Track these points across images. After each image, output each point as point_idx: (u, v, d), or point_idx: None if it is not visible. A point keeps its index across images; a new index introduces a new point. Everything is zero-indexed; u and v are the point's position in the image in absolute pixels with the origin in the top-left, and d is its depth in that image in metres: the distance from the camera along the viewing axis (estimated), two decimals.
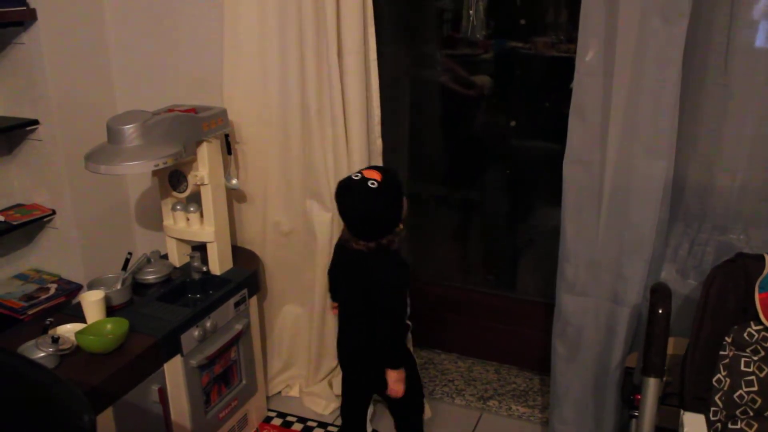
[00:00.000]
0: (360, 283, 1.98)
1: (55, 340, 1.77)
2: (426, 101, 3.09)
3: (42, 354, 1.73)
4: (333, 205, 2.34)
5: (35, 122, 2.38)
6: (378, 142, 2.33)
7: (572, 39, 1.95)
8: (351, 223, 1.93)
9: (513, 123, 2.92)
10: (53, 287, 2.51)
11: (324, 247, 2.42)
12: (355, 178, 1.88)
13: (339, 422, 2.51)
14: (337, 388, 2.62)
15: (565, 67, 2.01)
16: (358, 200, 1.88)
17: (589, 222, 2.01)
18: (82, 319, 1.93)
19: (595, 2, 1.83)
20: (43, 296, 2.44)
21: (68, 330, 1.88)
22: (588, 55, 1.89)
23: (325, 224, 2.39)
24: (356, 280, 2.00)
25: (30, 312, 2.34)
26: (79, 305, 1.96)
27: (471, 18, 2.91)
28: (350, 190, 1.89)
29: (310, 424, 2.51)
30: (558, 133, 2.04)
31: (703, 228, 2.07)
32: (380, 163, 2.36)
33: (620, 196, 1.93)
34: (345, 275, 2.07)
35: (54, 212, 2.50)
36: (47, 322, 1.91)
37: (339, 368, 2.63)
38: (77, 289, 2.52)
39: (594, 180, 1.97)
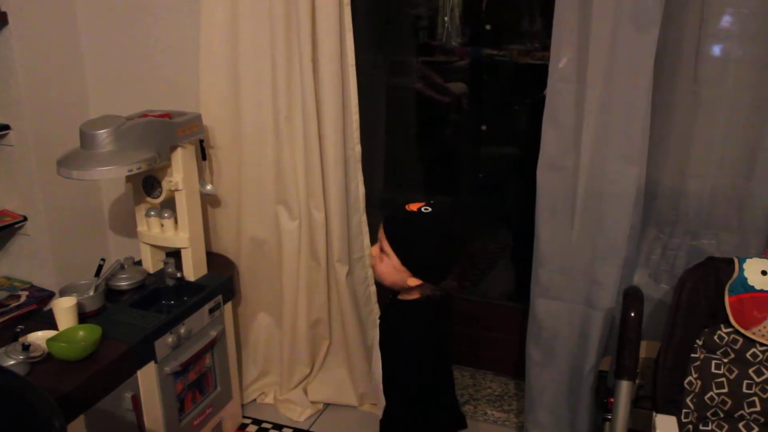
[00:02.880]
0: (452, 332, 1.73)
1: (26, 347, 1.74)
2: (402, 108, 3.10)
3: (12, 362, 1.70)
4: (300, 212, 2.34)
5: (6, 127, 2.35)
6: (357, 149, 2.34)
7: (546, 47, 1.97)
8: (455, 257, 1.58)
9: (484, 127, 2.94)
10: (24, 295, 2.47)
11: (291, 255, 2.42)
12: (413, 209, 1.55)
13: (314, 428, 2.50)
14: (312, 395, 2.61)
15: (540, 75, 2.03)
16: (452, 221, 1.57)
17: (563, 227, 2.03)
18: (54, 326, 1.91)
19: (568, 10, 1.86)
20: (14, 304, 2.40)
21: (39, 337, 1.85)
22: (561, 61, 1.91)
23: (293, 232, 2.39)
24: (452, 332, 1.73)
25: (0, 320, 2.31)
26: (50, 312, 1.94)
27: (446, 25, 2.93)
28: (440, 214, 1.55)
29: (285, 430, 2.50)
30: (533, 138, 2.06)
31: (675, 233, 2.10)
32: (359, 170, 2.36)
33: (593, 202, 1.95)
34: (449, 333, 1.72)
35: (25, 218, 2.47)
36: (18, 329, 1.88)
37: (313, 374, 2.63)
38: (49, 296, 2.48)
39: (567, 185, 1.99)
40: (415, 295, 1.60)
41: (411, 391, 1.61)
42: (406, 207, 1.55)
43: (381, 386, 1.66)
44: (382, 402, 1.67)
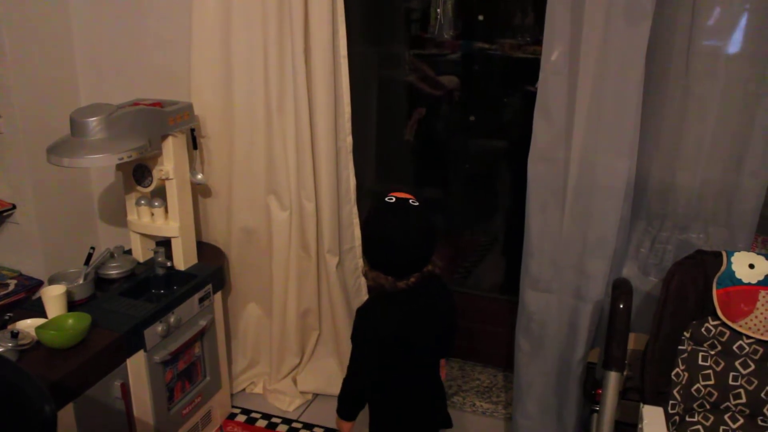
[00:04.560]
0: (433, 329, 1.73)
1: (15, 335, 1.74)
2: (393, 101, 3.10)
3: (0, 349, 1.70)
4: (291, 203, 2.34)
5: None
6: (348, 140, 2.34)
7: (538, 41, 1.98)
8: (408, 253, 1.60)
9: (472, 118, 2.94)
10: (13, 283, 2.46)
11: (281, 245, 2.42)
12: (391, 201, 1.60)
13: (303, 418, 2.51)
14: (302, 385, 2.62)
15: (532, 68, 2.03)
16: (414, 220, 1.59)
17: (553, 219, 2.04)
18: (43, 315, 1.90)
19: (560, 3, 1.86)
20: (2, 292, 2.39)
21: (28, 325, 1.85)
22: (553, 54, 1.91)
23: (283, 223, 2.39)
24: (431, 329, 1.72)
25: None
26: (39, 301, 1.93)
27: (439, 18, 2.93)
28: (405, 211, 1.59)
29: (274, 420, 2.50)
30: (524, 131, 2.06)
31: (665, 226, 2.11)
32: (351, 161, 2.36)
33: (584, 194, 1.96)
34: (415, 329, 1.68)
35: (14, 207, 2.46)
36: (6, 317, 1.87)
37: (302, 365, 2.64)
38: (38, 285, 2.47)
39: (558, 177, 1.99)
40: (381, 285, 1.65)
41: (347, 377, 1.71)
42: (390, 194, 1.63)
43: None
44: None
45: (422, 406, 1.76)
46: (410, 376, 1.72)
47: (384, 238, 1.59)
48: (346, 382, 1.73)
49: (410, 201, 1.60)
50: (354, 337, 1.68)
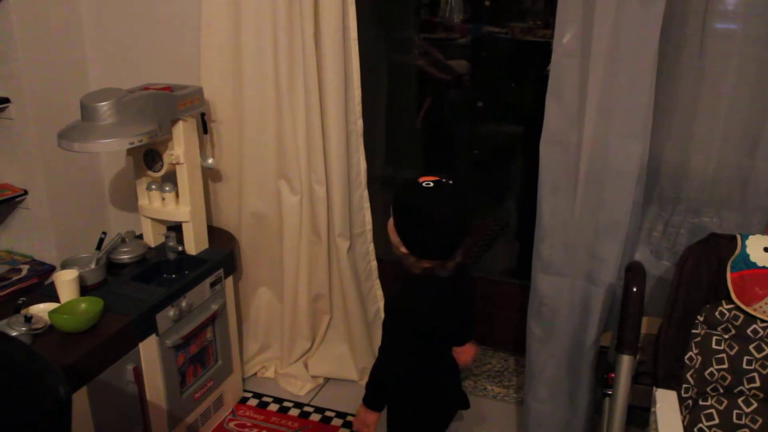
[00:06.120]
0: (458, 314, 1.73)
1: (28, 319, 1.75)
2: (403, 85, 3.09)
3: (14, 333, 1.70)
4: (301, 187, 2.34)
5: (6, 100, 2.34)
6: (359, 123, 2.32)
7: (548, 25, 1.96)
8: (455, 239, 1.57)
9: (480, 104, 2.93)
10: (25, 268, 2.47)
11: (292, 230, 2.42)
12: (429, 185, 1.54)
13: (314, 402, 2.52)
14: (313, 369, 2.63)
15: (542, 52, 2.01)
16: (460, 204, 1.56)
17: (565, 202, 2.02)
18: (56, 299, 1.91)
19: None
20: (15, 277, 2.40)
21: (41, 309, 1.86)
22: (565, 36, 1.89)
23: (294, 207, 2.38)
24: (456, 314, 1.72)
25: (2, 293, 2.31)
26: (52, 285, 1.94)
27: (449, 1, 2.91)
28: (451, 194, 1.55)
29: (286, 404, 2.51)
30: (536, 115, 2.05)
31: (677, 210, 2.09)
32: (361, 144, 2.35)
33: (596, 178, 1.95)
34: (444, 314, 1.66)
35: (26, 192, 2.47)
36: (20, 302, 1.88)
37: (313, 349, 2.64)
38: (50, 270, 2.48)
39: (570, 161, 1.98)
40: (416, 271, 1.61)
41: (381, 365, 1.67)
42: (420, 179, 1.56)
43: None
44: None
45: (441, 390, 1.76)
46: (433, 360, 1.72)
47: (434, 223, 1.53)
48: (379, 370, 1.67)
49: (450, 182, 1.54)
50: (390, 323, 1.63)
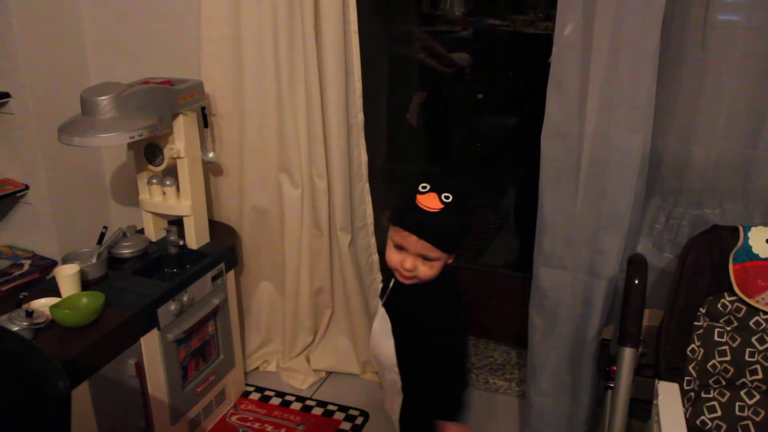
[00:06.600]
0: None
1: (29, 313, 1.75)
2: (404, 78, 3.08)
3: (16, 328, 1.70)
4: (302, 180, 2.34)
5: (6, 95, 2.33)
6: (360, 116, 2.32)
7: (550, 17, 1.95)
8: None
9: (480, 96, 2.92)
10: (27, 263, 2.47)
11: (293, 223, 2.42)
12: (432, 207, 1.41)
13: (316, 396, 2.52)
14: (315, 363, 2.63)
15: (544, 45, 2.00)
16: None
17: (567, 195, 2.02)
18: (57, 294, 1.91)
19: None
20: (17, 272, 2.41)
21: (43, 304, 1.86)
22: (567, 28, 1.88)
23: (295, 200, 2.38)
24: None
25: (3, 288, 2.31)
26: (53, 280, 1.94)
27: None
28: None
29: (288, 398, 2.51)
30: (536, 108, 2.04)
31: (679, 202, 2.09)
32: (362, 137, 2.34)
33: (598, 170, 1.94)
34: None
35: (27, 187, 2.46)
36: (21, 296, 1.88)
37: (315, 343, 2.64)
38: (51, 265, 2.48)
39: (572, 153, 1.97)
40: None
41: (465, 362, 1.60)
42: (422, 205, 1.40)
43: (396, 378, 1.58)
44: (396, 396, 1.62)
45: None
46: None
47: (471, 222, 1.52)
48: (459, 380, 1.57)
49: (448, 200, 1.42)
50: (458, 331, 1.56)
